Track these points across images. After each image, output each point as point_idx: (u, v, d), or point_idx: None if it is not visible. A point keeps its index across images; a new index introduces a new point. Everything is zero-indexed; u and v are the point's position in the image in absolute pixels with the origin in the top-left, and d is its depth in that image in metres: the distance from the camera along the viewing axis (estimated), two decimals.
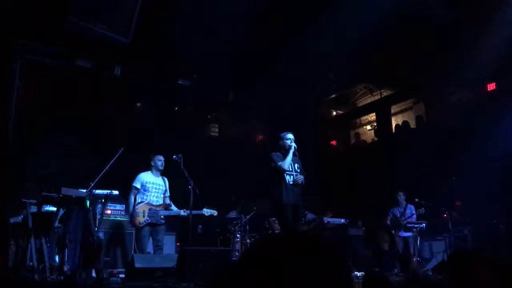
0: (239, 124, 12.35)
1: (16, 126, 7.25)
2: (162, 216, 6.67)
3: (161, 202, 6.83)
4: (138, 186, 6.73)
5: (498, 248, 7.37)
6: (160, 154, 6.98)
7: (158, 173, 6.95)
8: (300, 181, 5.98)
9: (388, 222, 8.78)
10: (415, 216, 8.57)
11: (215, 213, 6.96)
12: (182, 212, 6.77)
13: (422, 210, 8.45)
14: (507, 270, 1.94)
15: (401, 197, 8.84)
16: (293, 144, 6.06)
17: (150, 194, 6.75)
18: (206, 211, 6.77)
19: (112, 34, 6.35)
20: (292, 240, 1.03)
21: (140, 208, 6.59)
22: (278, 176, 5.96)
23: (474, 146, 8.20)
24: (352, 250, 8.57)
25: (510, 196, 7.67)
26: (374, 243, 9.23)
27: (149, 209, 6.61)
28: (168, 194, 6.99)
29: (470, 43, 8.36)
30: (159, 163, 6.90)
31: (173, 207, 6.90)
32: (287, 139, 6.11)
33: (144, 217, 6.55)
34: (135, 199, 6.69)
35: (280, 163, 5.93)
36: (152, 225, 6.61)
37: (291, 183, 5.94)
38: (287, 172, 5.96)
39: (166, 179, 7.03)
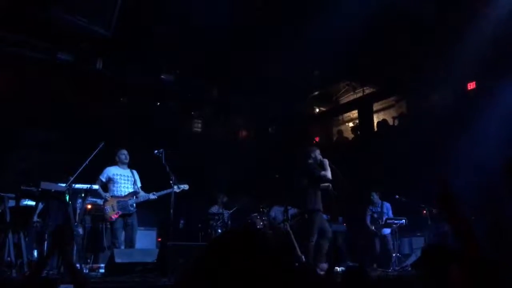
0: (223, 120, 12.34)
1: None
2: (133, 205, 6.75)
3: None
4: (103, 179, 6.83)
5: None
6: (123, 148, 7.09)
7: (125, 166, 7.04)
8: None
9: (368, 222, 8.91)
10: (391, 212, 8.75)
11: (186, 187, 6.95)
12: (152, 196, 6.88)
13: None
14: (480, 267, 1.98)
15: (375, 197, 8.99)
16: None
17: (119, 186, 6.84)
18: (177, 187, 6.75)
19: (94, 27, 6.28)
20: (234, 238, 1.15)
21: (108, 204, 6.63)
22: (315, 185, 6.62)
23: (455, 144, 8.31)
24: (334, 245, 8.62)
25: (490, 194, 7.79)
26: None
27: (117, 202, 6.67)
28: (139, 185, 7.01)
29: (452, 42, 8.48)
30: (123, 156, 7.01)
31: (142, 193, 6.92)
32: (319, 154, 6.83)
33: (114, 211, 6.59)
34: (103, 190, 6.76)
35: (324, 172, 6.57)
36: (124, 216, 6.67)
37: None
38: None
39: (135, 171, 7.09)
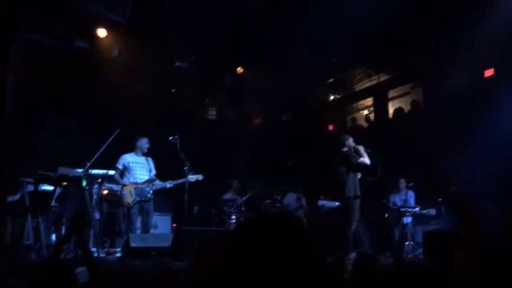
0: (237, 107, 12.36)
1: (13, 104, 7.23)
2: (150, 192, 6.82)
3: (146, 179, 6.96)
4: (120, 166, 6.91)
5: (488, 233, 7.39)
6: (145, 137, 7.14)
7: (141, 154, 7.09)
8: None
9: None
10: (413, 200, 8.58)
11: (200, 177, 7.03)
12: (168, 184, 6.97)
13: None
14: (479, 251, 2.00)
15: (402, 184, 8.75)
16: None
17: (135, 173, 6.92)
18: (191, 178, 6.83)
19: (110, 14, 6.33)
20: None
21: (126, 189, 6.73)
22: (353, 172, 6.62)
23: (471, 132, 8.21)
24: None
25: (504, 182, 7.71)
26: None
27: (135, 188, 6.76)
28: (154, 172, 7.08)
29: (469, 28, 8.33)
30: (146, 145, 7.06)
31: (158, 181, 7.00)
32: (353, 141, 6.81)
33: (132, 196, 6.70)
34: (121, 178, 6.87)
35: (362, 159, 6.55)
36: (141, 202, 6.77)
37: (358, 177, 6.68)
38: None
39: (150, 159, 7.15)
